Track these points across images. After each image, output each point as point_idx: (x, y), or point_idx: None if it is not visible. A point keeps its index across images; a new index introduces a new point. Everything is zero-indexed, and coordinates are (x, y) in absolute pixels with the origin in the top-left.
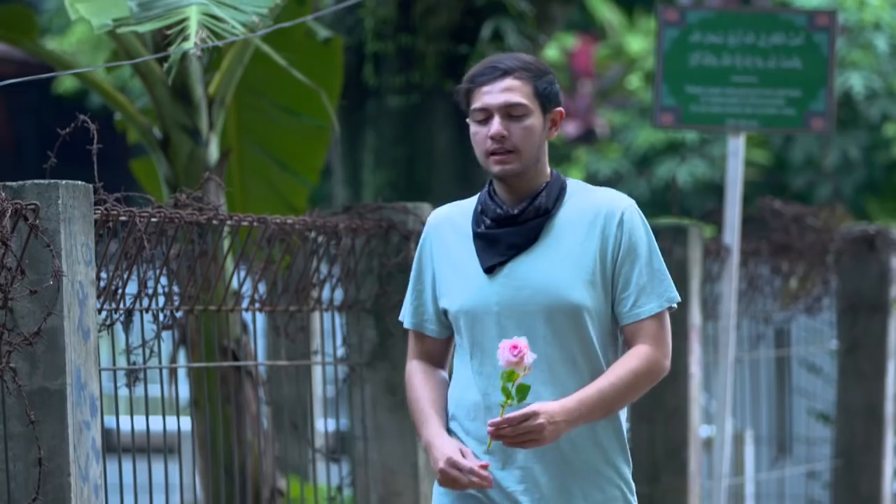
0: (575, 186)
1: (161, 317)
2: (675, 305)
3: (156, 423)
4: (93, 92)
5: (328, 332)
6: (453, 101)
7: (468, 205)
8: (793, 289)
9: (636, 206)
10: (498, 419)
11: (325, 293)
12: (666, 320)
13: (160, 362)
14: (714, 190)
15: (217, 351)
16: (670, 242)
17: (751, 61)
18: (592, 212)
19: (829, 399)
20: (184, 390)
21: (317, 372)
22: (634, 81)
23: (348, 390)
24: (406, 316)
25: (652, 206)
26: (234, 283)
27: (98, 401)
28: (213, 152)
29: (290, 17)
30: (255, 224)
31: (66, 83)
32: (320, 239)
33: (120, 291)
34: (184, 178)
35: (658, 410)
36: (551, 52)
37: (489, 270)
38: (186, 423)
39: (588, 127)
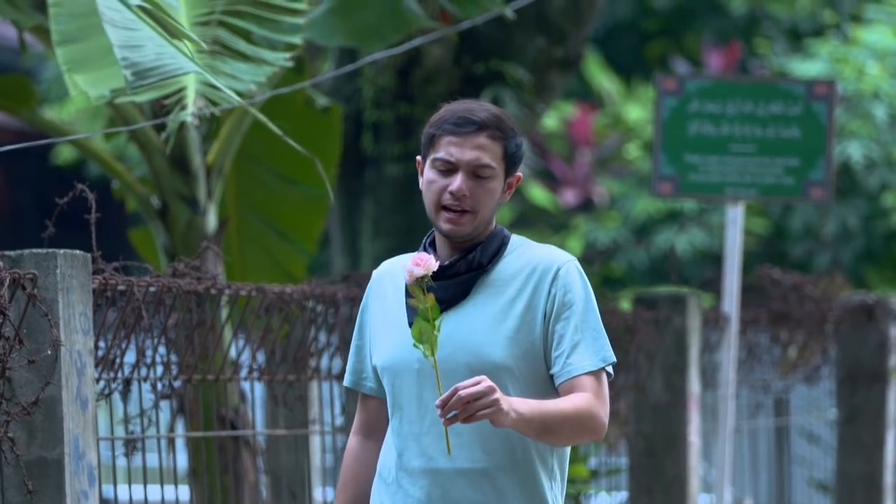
0: (517, 242)
1: (159, 386)
2: (611, 371)
3: (154, 492)
4: (91, 161)
5: (326, 401)
6: None
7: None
8: (792, 358)
9: (577, 263)
10: (445, 394)
11: (324, 362)
12: (604, 380)
13: (158, 431)
14: (713, 259)
15: (215, 420)
16: (669, 311)
17: (749, 130)
18: (529, 268)
19: (828, 468)
20: (182, 459)
21: (315, 441)
22: (633, 150)
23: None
24: (346, 374)
25: (651, 274)
26: (233, 353)
27: (96, 470)
28: (212, 221)
29: (289, 86)
30: (253, 293)
31: (64, 152)
32: (319, 308)
33: (118, 361)
34: (182, 247)
35: (657, 480)
36: (550, 121)
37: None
38: (185, 492)
39: (587, 196)
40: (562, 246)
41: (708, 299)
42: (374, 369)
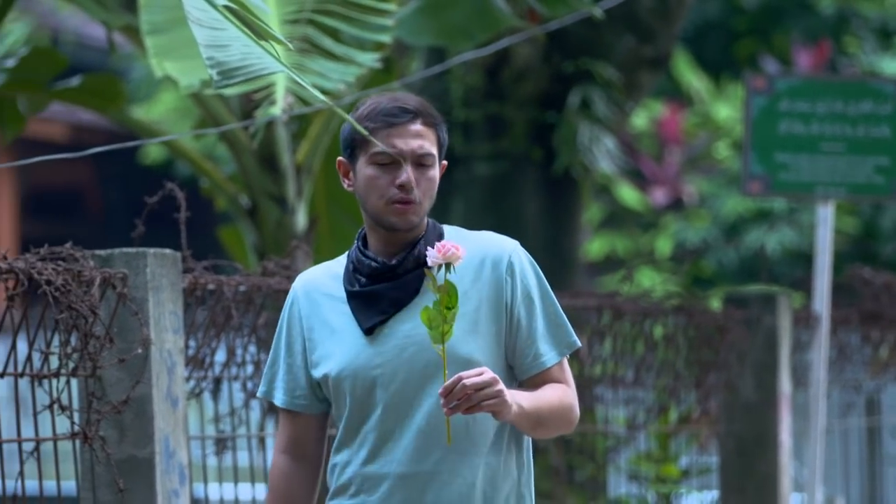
0: (452, 233)
1: (249, 385)
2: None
3: (245, 491)
4: (180, 160)
5: None
6: (541, 169)
7: (335, 266)
8: (883, 357)
9: (521, 246)
10: (449, 381)
11: None
12: (568, 367)
13: (249, 430)
14: (803, 258)
15: None
16: (760, 311)
17: (839, 129)
18: (477, 258)
19: None
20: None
21: None
22: (722, 149)
23: None
24: (276, 393)
25: (740, 274)
26: None
27: (187, 469)
28: (301, 220)
29: (377, 85)
30: None
31: (153, 152)
32: None
33: (208, 360)
34: (272, 245)
35: (749, 479)
36: (639, 121)
37: (369, 331)
38: None
39: (676, 195)
40: (651, 245)
41: (798, 299)
42: (310, 385)
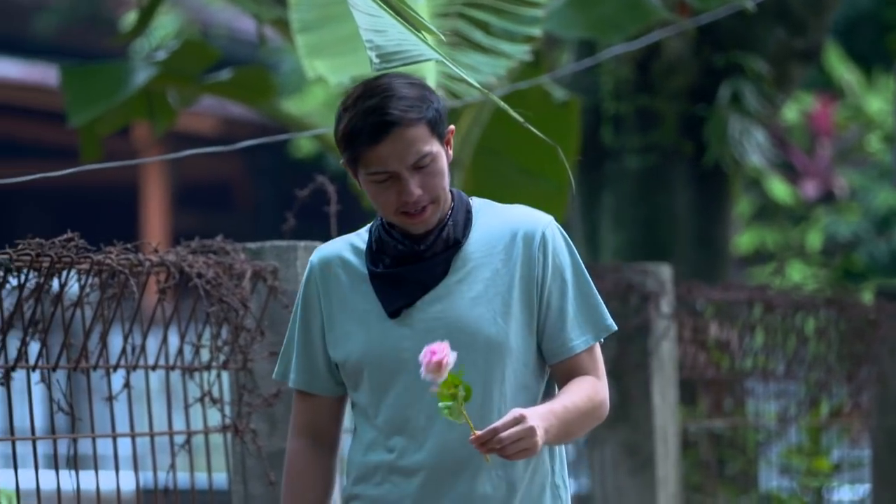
0: (481, 206)
1: None
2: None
3: None
4: (331, 154)
5: None
6: (692, 162)
7: (356, 240)
8: None
9: (555, 223)
10: (482, 432)
11: None
12: (599, 353)
13: None
14: None
15: None
16: None
17: None
18: (508, 234)
19: None
20: None
21: None
22: (874, 142)
23: (589, 452)
24: (292, 374)
25: (892, 267)
26: None
27: (338, 461)
28: None
29: (525, 79)
30: None
31: (304, 146)
32: None
33: None
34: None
35: None
36: (790, 113)
37: (394, 314)
38: None
39: (827, 188)
40: (802, 239)
41: None
42: (329, 367)
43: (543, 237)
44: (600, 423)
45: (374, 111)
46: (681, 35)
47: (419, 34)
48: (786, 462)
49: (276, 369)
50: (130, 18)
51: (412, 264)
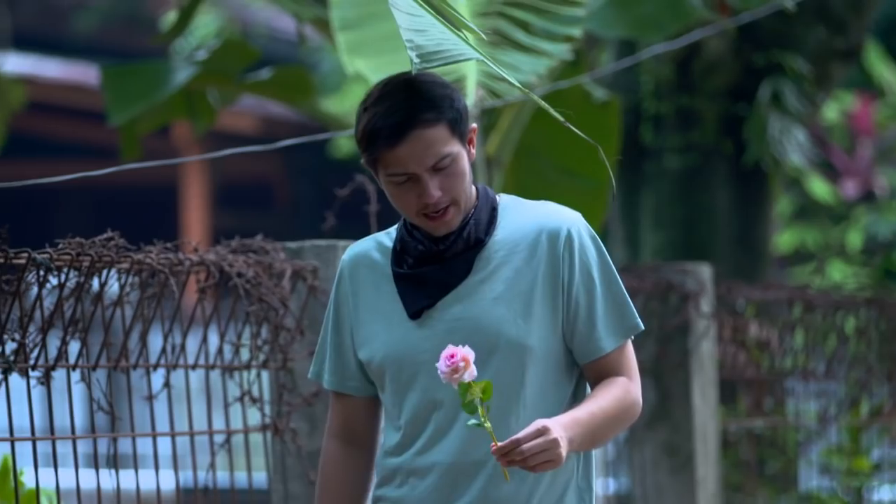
0: (508, 203)
1: None
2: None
3: None
4: None
5: None
6: (732, 161)
7: (384, 239)
8: None
9: (583, 220)
10: (504, 443)
11: None
12: (631, 352)
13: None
14: None
15: None
16: None
17: None
18: (533, 232)
19: None
20: None
21: None
22: None
23: (628, 451)
24: (326, 374)
25: None
26: None
27: None
28: None
29: (565, 79)
30: None
31: (343, 145)
32: None
33: None
34: None
35: None
36: (830, 113)
37: (415, 315)
38: None
39: (868, 187)
40: (842, 238)
41: None
42: (359, 367)
43: (569, 235)
44: (632, 423)
45: (393, 111)
46: (721, 34)
47: (460, 33)
48: (826, 462)
49: (311, 369)
50: (170, 18)
51: (434, 264)
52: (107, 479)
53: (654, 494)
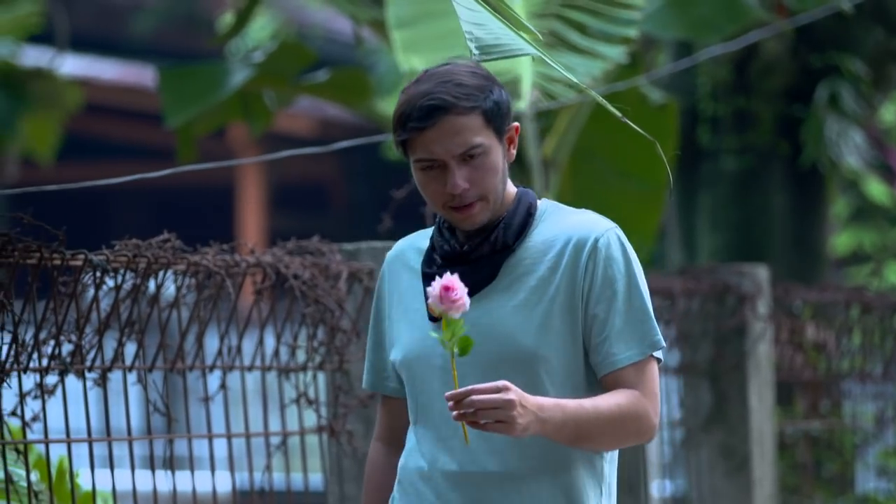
0: (547, 209)
1: None
2: (660, 355)
3: None
4: None
5: (663, 394)
6: (789, 163)
7: (421, 239)
8: None
9: (619, 231)
10: (458, 390)
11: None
12: (651, 370)
13: None
14: None
15: None
16: None
17: None
18: (562, 240)
19: None
20: None
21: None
22: None
23: (685, 453)
24: (365, 374)
25: None
26: None
27: None
28: None
29: (622, 80)
30: None
31: None
32: (655, 301)
33: None
34: None
35: None
36: (888, 115)
37: (434, 317)
38: None
39: None
40: None
41: None
42: (394, 366)
43: (595, 245)
44: (642, 439)
45: (425, 95)
46: (778, 36)
47: (517, 33)
48: (883, 464)
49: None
50: (227, 19)
51: (461, 266)
52: (163, 480)
53: (710, 497)
